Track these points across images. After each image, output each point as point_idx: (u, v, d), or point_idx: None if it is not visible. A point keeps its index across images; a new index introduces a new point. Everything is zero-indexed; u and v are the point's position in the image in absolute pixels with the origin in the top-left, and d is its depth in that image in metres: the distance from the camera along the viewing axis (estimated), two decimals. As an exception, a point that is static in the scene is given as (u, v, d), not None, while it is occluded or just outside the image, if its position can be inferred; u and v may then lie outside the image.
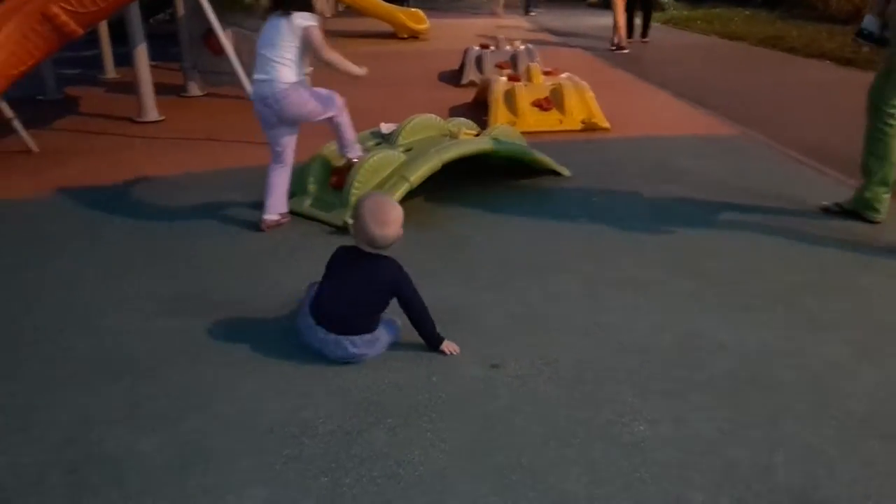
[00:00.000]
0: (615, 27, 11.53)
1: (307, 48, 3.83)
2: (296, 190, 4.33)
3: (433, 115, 4.82)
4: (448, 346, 2.81)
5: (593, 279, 3.45)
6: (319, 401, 2.53)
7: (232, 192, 4.59)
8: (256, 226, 4.02)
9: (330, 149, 4.38)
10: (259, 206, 4.12)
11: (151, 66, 6.54)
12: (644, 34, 12.57)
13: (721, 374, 2.70)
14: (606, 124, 6.19)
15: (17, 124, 5.55)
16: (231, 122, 6.36)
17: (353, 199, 4.06)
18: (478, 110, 6.62)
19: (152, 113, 6.52)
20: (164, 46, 9.08)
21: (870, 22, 4.11)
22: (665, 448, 2.29)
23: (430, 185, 4.20)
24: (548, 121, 6.16)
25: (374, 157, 4.15)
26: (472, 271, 3.54)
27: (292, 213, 4.18)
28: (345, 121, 4.15)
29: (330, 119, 4.09)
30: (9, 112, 5.42)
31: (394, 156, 4.24)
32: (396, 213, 2.76)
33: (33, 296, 3.32)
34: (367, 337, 2.75)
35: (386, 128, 4.69)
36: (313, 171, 4.31)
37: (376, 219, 2.70)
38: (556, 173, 4.92)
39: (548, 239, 3.94)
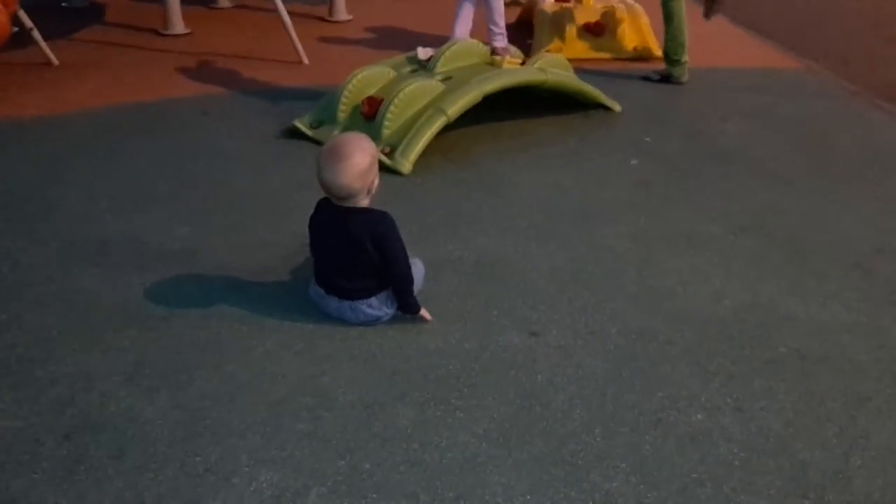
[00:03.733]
0: None
1: None
2: (324, 118, 4.04)
3: (475, 41, 4.44)
4: (425, 312, 2.48)
5: (645, 233, 3.15)
6: (340, 366, 2.30)
7: (260, 118, 4.30)
8: (285, 155, 3.81)
9: (364, 73, 4.04)
10: (288, 132, 4.07)
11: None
12: None
13: (789, 352, 2.41)
14: (661, 53, 5.73)
15: (36, 35, 5.23)
16: (261, 40, 6.00)
17: (385, 131, 3.76)
18: (522, 33, 6.17)
19: (178, 26, 6.17)
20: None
21: None
22: (726, 444, 2.03)
23: (466, 118, 3.86)
24: (598, 48, 5.72)
25: (410, 87, 3.81)
26: (512, 218, 3.24)
27: (319, 143, 3.89)
28: (499, 5, 4.57)
29: None
30: (28, 22, 5.12)
31: (431, 85, 3.90)
32: (361, 157, 2.27)
33: (38, 229, 3.08)
34: (384, 294, 2.45)
35: (423, 53, 4.32)
36: (344, 97, 3.98)
37: (331, 157, 2.26)
38: (606, 107, 4.55)
39: (595, 183, 3.61)
